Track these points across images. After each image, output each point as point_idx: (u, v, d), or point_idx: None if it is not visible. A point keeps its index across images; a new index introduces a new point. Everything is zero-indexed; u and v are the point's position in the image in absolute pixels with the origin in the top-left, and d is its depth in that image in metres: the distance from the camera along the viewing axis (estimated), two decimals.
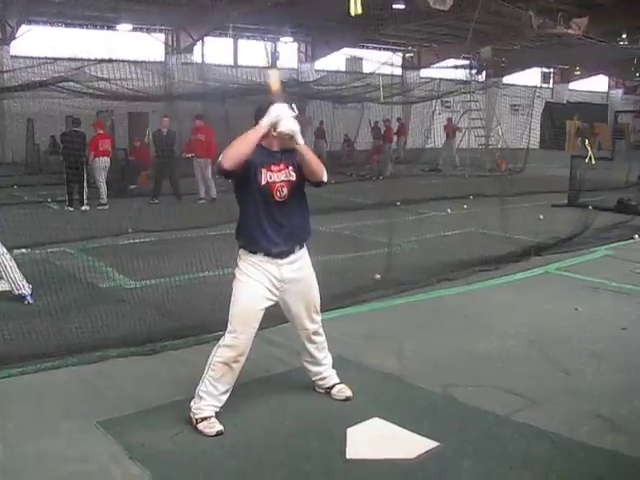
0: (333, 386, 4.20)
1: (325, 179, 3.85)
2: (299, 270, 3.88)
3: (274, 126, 3.56)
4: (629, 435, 3.77)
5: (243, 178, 3.72)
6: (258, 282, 3.77)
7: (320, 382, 4.22)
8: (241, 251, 3.85)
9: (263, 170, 3.70)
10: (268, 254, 3.76)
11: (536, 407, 4.10)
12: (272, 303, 3.88)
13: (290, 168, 3.78)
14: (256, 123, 3.69)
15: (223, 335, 3.81)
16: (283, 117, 3.54)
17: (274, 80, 3.70)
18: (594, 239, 9.37)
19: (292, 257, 3.84)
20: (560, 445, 3.60)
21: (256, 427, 3.80)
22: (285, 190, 3.76)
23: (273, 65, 4.07)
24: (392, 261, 7.30)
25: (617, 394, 4.32)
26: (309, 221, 3.99)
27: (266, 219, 3.75)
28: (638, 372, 4.73)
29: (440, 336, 5.45)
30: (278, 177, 3.75)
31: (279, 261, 3.79)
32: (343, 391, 4.18)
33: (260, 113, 3.69)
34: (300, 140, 3.61)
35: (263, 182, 3.72)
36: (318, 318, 4.09)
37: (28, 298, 6.07)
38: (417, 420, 3.87)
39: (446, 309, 6.24)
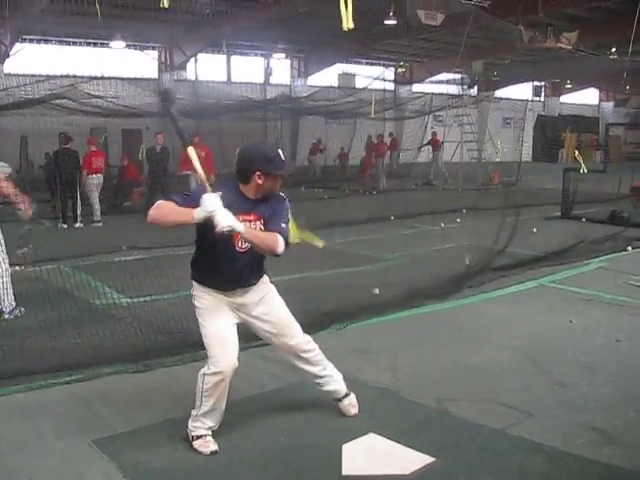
0: (345, 397, 4.16)
1: (279, 251, 3.56)
2: (253, 294, 3.82)
3: (210, 220, 3.38)
4: (624, 447, 3.77)
5: (207, 224, 3.49)
6: (217, 304, 3.75)
7: (328, 392, 4.16)
8: (194, 282, 3.83)
9: None
10: (217, 289, 3.75)
11: (531, 420, 4.10)
12: (238, 321, 3.84)
13: (260, 222, 3.67)
14: (240, 170, 3.64)
15: (206, 363, 3.74)
16: (217, 212, 3.34)
17: (192, 159, 3.57)
18: (587, 251, 9.39)
19: (242, 290, 3.80)
20: (555, 458, 3.60)
21: (251, 444, 3.79)
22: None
23: (185, 144, 3.77)
24: (386, 275, 7.30)
25: (612, 406, 4.32)
26: (263, 265, 3.87)
27: (223, 263, 3.68)
28: (632, 384, 4.73)
29: (434, 350, 5.45)
30: None
31: (230, 293, 3.77)
32: (349, 409, 4.14)
33: (248, 164, 3.62)
34: (240, 228, 3.41)
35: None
36: (296, 332, 3.96)
37: (5, 315, 6.06)
38: (412, 435, 3.86)
39: (440, 323, 6.24)
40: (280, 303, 3.97)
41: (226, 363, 3.68)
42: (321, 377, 4.11)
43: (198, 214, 3.40)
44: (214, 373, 3.68)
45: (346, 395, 4.18)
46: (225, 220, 3.35)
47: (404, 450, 3.68)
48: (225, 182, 3.83)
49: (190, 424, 3.76)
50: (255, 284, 3.85)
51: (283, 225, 3.64)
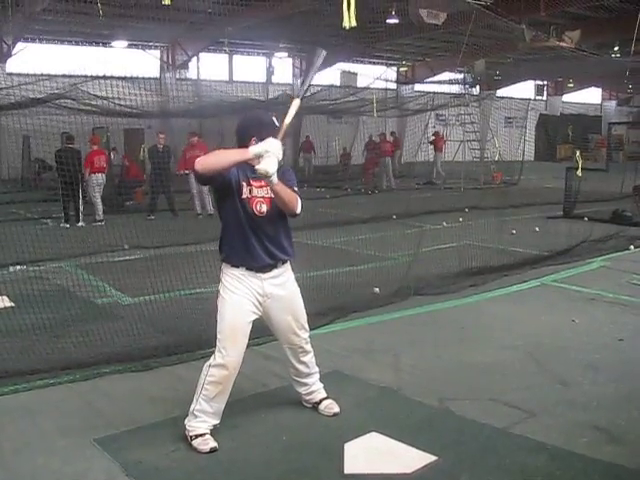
0: (321, 401, 4.18)
1: (298, 211, 3.75)
2: (282, 285, 3.86)
3: (257, 159, 3.49)
4: (627, 446, 3.76)
5: (225, 190, 3.72)
6: (242, 296, 3.75)
7: (307, 397, 4.19)
8: (223, 265, 3.84)
9: (244, 184, 3.71)
10: (250, 268, 3.75)
11: (534, 419, 4.09)
12: (257, 316, 3.86)
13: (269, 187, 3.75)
14: (238, 138, 3.76)
15: (213, 354, 3.78)
16: (269, 155, 3.44)
17: (290, 113, 3.62)
18: (590, 250, 9.39)
19: (274, 272, 3.82)
20: (558, 457, 3.59)
21: (253, 443, 3.78)
22: (264, 207, 3.74)
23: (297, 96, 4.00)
24: (387, 274, 7.29)
25: (614, 405, 4.31)
26: (290, 242, 3.93)
27: (248, 232, 3.74)
28: (635, 383, 4.72)
29: (437, 349, 5.44)
30: (258, 192, 3.74)
31: (261, 275, 3.77)
32: (331, 407, 4.14)
33: (244, 130, 3.75)
34: (275, 180, 3.52)
35: (243, 196, 3.72)
36: (304, 334, 4.03)
37: None
38: (415, 434, 3.86)
39: (442, 322, 6.23)
40: (301, 302, 4.01)
41: (234, 357, 3.71)
42: (308, 378, 4.14)
43: (254, 149, 3.50)
44: (219, 365, 3.69)
45: (325, 398, 4.19)
46: (270, 166, 3.44)
47: (406, 449, 3.67)
48: None
49: (188, 423, 3.74)
50: (286, 260, 3.89)
51: (296, 189, 3.79)
